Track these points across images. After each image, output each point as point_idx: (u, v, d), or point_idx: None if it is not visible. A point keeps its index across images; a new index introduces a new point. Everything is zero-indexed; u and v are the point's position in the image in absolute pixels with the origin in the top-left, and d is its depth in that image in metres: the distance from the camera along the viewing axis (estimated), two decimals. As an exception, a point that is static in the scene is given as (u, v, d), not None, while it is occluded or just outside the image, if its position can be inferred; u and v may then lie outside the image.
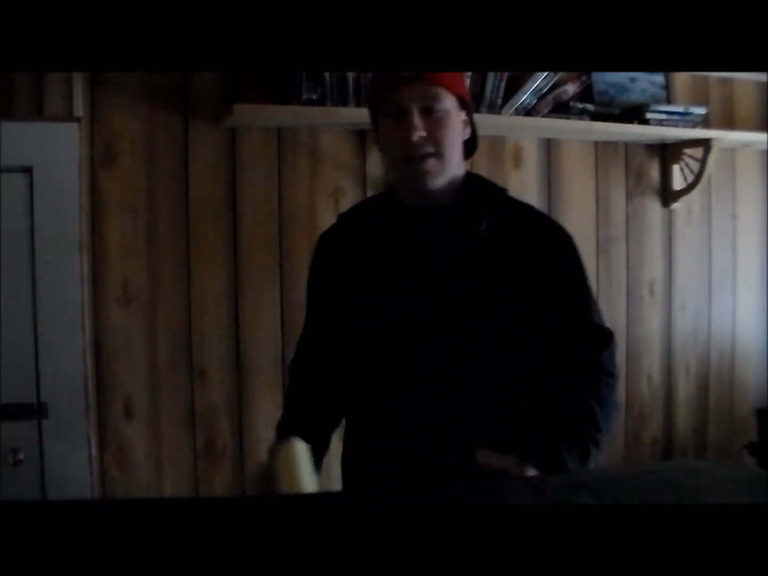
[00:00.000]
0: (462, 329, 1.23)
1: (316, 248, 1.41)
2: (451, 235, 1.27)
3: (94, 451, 1.89)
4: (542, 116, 2.21)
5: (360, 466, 1.33)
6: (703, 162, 2.37)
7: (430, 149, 1.23)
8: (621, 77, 2.39)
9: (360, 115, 1.59)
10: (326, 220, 1.87)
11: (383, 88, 1.25)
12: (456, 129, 1.27)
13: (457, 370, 1.23)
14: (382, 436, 1.28)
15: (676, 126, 2.33)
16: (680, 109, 2.36)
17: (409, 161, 1.24)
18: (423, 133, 1.22)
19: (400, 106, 1.23)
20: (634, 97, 2.40)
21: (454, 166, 1.28)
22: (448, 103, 1.24)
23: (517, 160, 2.33)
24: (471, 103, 1.33)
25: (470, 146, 1.35)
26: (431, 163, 1.23)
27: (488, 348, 1.24)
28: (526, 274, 1.24)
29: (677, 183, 2.50)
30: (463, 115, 1.29)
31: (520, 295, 1.23)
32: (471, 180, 1.34)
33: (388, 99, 1.24)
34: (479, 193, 1.31)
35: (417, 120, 1.22)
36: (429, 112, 1.23)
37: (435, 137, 1.23)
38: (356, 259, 1.32)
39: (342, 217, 1.43)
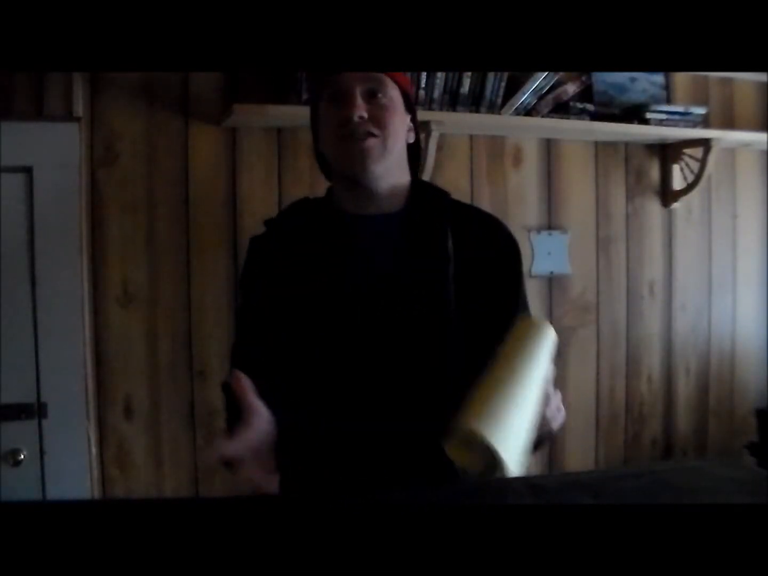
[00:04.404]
0: (411, 342, 1.15)
1: (249, 253, 1.29)
2: (401, 244, 1.18)
3: (94, 451, 1.89)
4: (542, 116, 2.21)
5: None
6: (703, 162, 2.37)
7: (373, 130, 1.14)
8: (621, 77, 2.39)
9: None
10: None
11: (324, 73, 1.18)
12: (401, 121, 1.20)
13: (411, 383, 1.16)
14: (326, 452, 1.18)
15: (676, 126, 2.33)
16: (680, 109, 2.36)
17: (347, 141, 1.15)
18: (364, 114, 1.14)
19: (341, 88, 1.15)
20: (634, 97, 2.40)
21: (396, 160, 1.20)
22: (394, 93, 1.18)
23: (517, 160, 2.34)
24: (415, 107, 1.27)
25: (415, 158, 1.28)
26: (372, 142, 1.14)
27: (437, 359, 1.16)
28: (474, 275, 1.18)
29: (677, 183, 2.50)
30: (408, 119, 1.23)
31: (469, 298, 1.17)
32: (418, 187, 1.26)
33: (329, 82, 1.17)
34: (426, 199, 1.24)
35: (359, 100, 1.14)
36: (373, 96, 1.16)
37: (378, 120, 1.15)
38: (296, 272, 1.19)
39: (272, 224, 1.29)
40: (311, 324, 1.18)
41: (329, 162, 1.25)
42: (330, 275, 1.17)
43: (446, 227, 1.20)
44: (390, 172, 1.20)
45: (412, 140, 1.26)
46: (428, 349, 1.16)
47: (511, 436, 0.83)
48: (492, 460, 0.82)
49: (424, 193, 1.26)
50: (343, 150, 1.17)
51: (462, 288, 1.16)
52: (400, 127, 1.20)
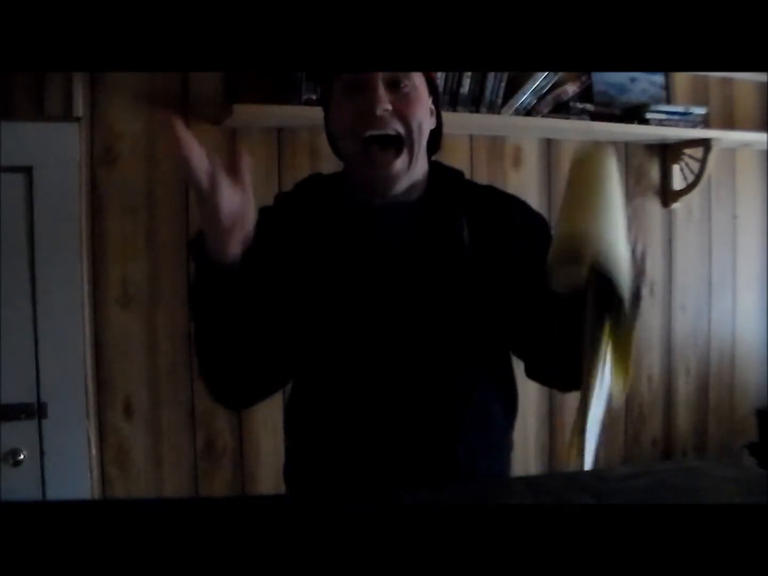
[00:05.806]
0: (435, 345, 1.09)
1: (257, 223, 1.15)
2: (423, 239, 1.10)
3: (94, 451, 1.89)
4: (542, 116, 2.21)
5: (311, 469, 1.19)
6: (703, 162, 2.37)
7: (399, 129, 1.04)
8: (621, 77, 2.39)
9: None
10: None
11: None
12: (426, 111, 1.09)
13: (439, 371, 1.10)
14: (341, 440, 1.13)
15: (676, 126, 2.33)
16: (680, 109, 2.36)
17: (370, 146, 1.04)
18: (388, 106, 1.02)
19: (361, 76, 1.03)
20: (634, 97, 2.40)
21: (421, 157, 1.10)
22: (418, 80, 1.07)
23: (517, 160, 2.33)
24: (438, 90, 1.17)
25: (434, 141, 1.17)
26: (398, 165, 1.05)
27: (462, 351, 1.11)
28: (497, 261, 1.09)
29: (677, 183, 2.50)
30: (430, 101, 1.12)
31: (491, 285, 1.09)
32: (434, 171, 1.17)
33: None
34: (443, 184, 1.16)
35: (381, 91, 1.02)
36: (395, 86, 1.04)
37: (403, 114, 1.04)
38: (304, 261, 1.11)
39: (283, 199, 1.21)
40: (321, 316, 1.12)
41: (342, 153, 1.16)
42: (344, 266, 1.10)
43: (463, 214, 1.12)
44: (412, 173, 1.11)
45: (434, 126, 1.15)
46: (439, 342, 1.11)
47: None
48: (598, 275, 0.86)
49: (440, 179, 1.17)
50: (362, 159, 1.07)
51: (483, 276, 1.09)
52: (425, 119, 1.09)
